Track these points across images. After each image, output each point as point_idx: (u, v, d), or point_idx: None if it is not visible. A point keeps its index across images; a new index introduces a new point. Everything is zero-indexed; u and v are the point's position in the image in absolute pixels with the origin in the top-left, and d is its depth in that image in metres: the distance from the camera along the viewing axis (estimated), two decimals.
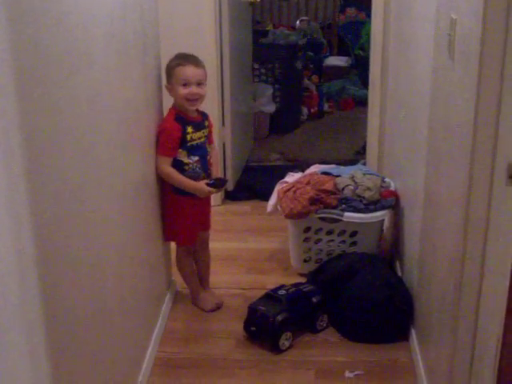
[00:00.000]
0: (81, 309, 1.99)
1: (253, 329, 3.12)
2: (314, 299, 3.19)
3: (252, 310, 3.14)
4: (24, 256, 1.55)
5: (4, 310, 1.45)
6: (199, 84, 3.08)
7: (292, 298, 3.14)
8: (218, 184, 3.22)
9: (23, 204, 1.54)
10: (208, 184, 3.15)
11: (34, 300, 1.61)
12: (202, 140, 3.17)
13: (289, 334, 3.07)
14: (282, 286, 3.24)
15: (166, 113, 3.18)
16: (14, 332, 1.51)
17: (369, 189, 3.55)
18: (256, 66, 6.25)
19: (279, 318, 3.03)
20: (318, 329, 3.20)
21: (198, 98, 3.10)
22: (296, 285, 3.27)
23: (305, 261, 3.71)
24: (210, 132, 3.28)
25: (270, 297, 3.16)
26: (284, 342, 3.05)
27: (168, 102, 3.18)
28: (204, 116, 3.23)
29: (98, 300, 2.16)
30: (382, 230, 3.75)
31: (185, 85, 3.05)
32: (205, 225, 3.39)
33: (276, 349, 3.05)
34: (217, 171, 3.32)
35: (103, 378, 2.26)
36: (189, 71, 3.05)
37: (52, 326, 1.72)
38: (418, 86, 2.99)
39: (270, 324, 3.03)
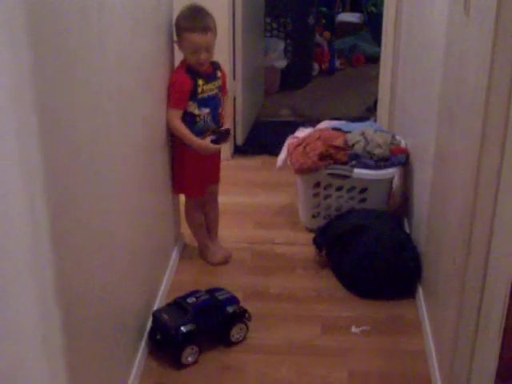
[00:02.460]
0: (89, 258, 2.00)
1: (158, 337, 2.76)
2: (229, 309, 2.84)
3: (155, 317, 2.79)
4: (36, 202, 1.56)
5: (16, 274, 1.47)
6: (208, 48, 3.05)
7: (202, 307, 2.78)
8: (222, 138, 3.18)
9: (36, 151, 1.54)
10: (212, 141, 3.13)
11: (44, 248, 1.62)
12: (214, 92, 3.14)
13: (194, 347, 2.72)
14: (194, 292, 2.87)
15: (176, 65, 3.15)
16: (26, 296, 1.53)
17: (379, 146, 3.54)
18: (268, 21, 6.20)
19: (183, 329, 2.68)
20: (233, 341, 2.84)
21: (207, 61, 3.08)
22: (211, 291, 2.91)
23: (313, 216, 3.71)
24: (224, 83, 3.24)
25: (178, 304, 2.81)
26: (188, 356, 2.70)
27: (179, 54, 3.15)
28: (216, 66, 3.19)
29: (107, 250, 2.18)
30: (392, 187, 3.75)
31: (194, 51, 3.03)
32: (214, 178, 3.40)
33: (178, 363, 2.70)
34: (228, 123, 3.29)
35: (110, 328, 2.29)
36: (197, 39, 3.00)
37: (65, 279, 1.73)
38: (431, 43, 2.95)
39: (172, 336, 2.69)
